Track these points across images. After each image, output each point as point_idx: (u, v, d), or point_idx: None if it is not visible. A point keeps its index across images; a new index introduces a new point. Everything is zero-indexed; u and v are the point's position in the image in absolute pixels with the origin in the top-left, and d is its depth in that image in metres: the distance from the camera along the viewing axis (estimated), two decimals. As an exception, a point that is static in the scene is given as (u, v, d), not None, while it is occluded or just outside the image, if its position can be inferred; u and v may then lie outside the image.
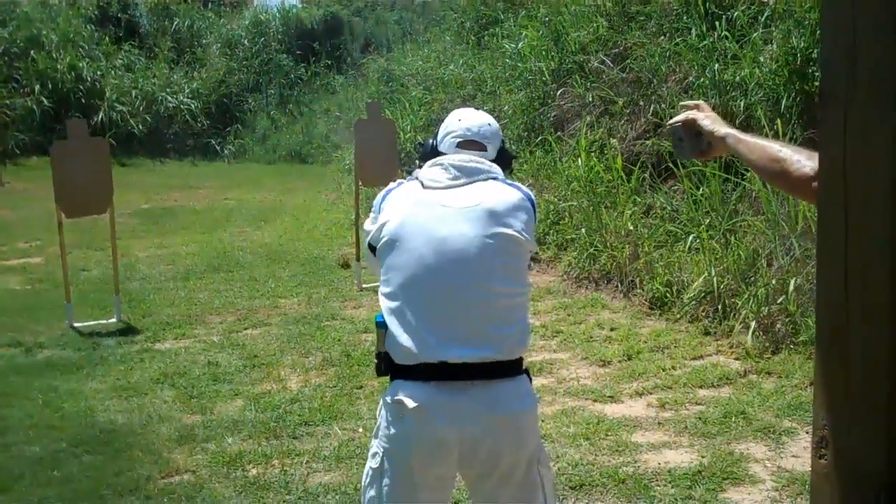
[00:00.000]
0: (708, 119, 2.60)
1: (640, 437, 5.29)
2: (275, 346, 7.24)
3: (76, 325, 7.84)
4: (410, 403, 2.70)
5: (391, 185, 3.00)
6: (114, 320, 7.98)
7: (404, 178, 3.03)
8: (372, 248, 2.93)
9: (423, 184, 2.92)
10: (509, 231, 2.82)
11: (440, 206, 2.84)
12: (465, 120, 3.10)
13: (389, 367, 2.82)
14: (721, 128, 2.57)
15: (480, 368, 2.72)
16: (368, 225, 2.95)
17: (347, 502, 4.61)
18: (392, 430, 2.76)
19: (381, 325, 2.81)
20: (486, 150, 3.06)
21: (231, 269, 10.05)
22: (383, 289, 2.84)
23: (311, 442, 5.38)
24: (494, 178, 2.96)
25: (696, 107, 2.66)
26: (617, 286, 8.20)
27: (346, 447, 5.25)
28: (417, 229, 2.80)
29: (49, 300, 8.71)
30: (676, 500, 4.47)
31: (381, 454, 2.79)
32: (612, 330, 7.24)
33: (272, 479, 4.90)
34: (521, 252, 2.87)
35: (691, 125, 2.63)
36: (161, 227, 12.95)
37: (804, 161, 2.26)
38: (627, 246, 8.20)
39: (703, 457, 4.93)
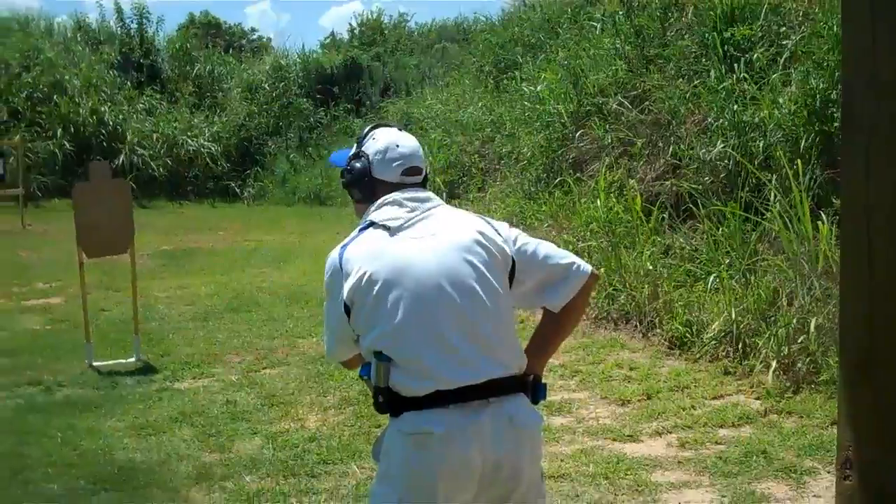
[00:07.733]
0: None
1: (660, 476, 5.24)
2: (293, 386, 7.23)
3: (95, 364, 7.85)
4: (437, 430, 2.64)
5: (334, 253, 2.85)
6: (133, 360, 7.99)
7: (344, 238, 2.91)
8: (347, 311, 2.78)
9: (387, 228, 2.83)
10: (490, 248, 2.81)
11: (414, 240, 2.78)
12: (404, 145, 3.00)
13: (393, 401, 2.73)
14: None
15: (494, 386, 2.71)
16: (331, 298, 2.81)
17: (365, 541, 4.59)
18: (414, 463, 2.68)
19: (382, 359, 2.71)
20: (422, 172, 3.03)
21: (250, 310, 10.07)
22: (374, 334, 2.72)
23: (329, 481, 5.36)
24: (440, 205, 2.94)
25: None
26: (636, 326, 8.16)
27: (364, 486, 5.21)
28: (404, 266, 2.74)
29: (69, 340, 8.74)
30: (698, 539, 4.41)
31: (399, 492, 2.69)
32: (631, 369, 7.20)
33: (290, 517, 4.87)
34: (503, 264, 2.83)
35: None
36: (181, 268, 13.01)
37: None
38: (646, 286, 8.17)
39: (723, 496, 4.87)
